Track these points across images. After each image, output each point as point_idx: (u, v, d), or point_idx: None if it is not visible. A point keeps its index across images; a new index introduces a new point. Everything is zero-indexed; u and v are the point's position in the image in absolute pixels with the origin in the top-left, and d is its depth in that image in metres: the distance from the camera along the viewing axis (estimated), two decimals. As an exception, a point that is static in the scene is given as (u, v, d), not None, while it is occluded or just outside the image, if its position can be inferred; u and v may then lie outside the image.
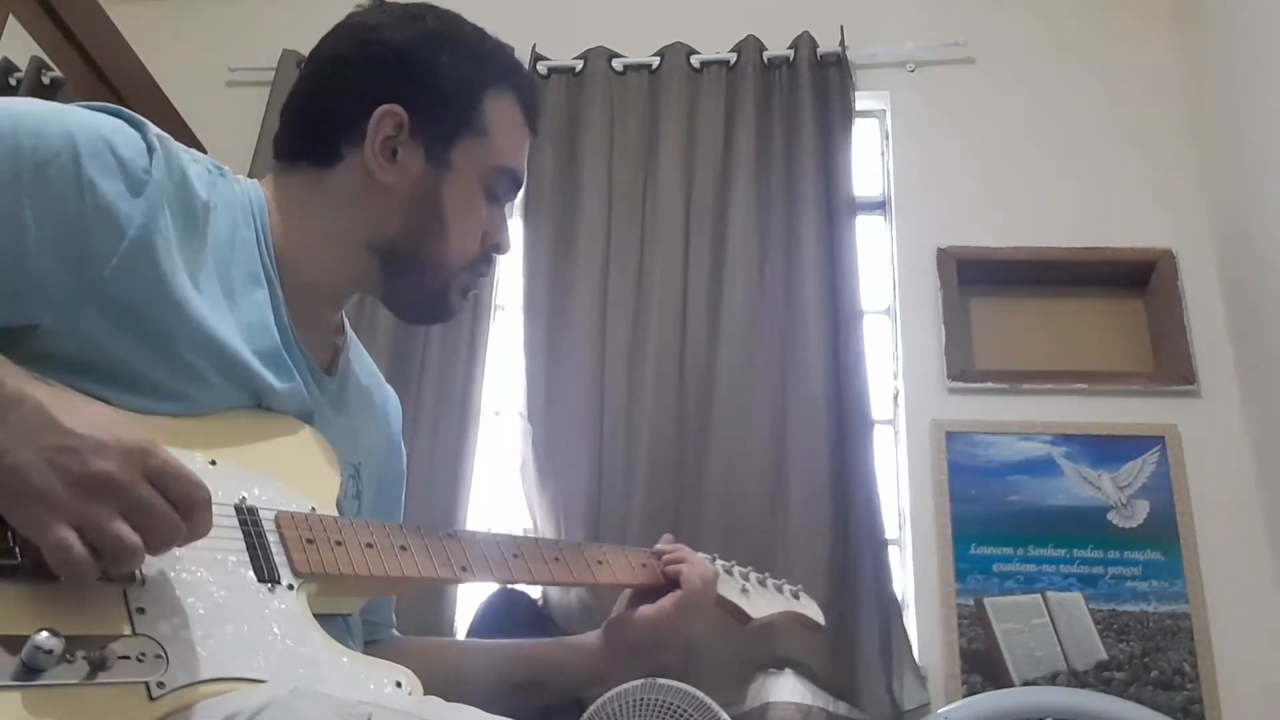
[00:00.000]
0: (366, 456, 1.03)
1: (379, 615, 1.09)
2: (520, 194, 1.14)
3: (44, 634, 0.59)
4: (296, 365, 0.90)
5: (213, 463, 0.80)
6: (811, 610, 1.25)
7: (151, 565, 0.69)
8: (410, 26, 0.96)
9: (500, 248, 1.00)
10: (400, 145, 0.93)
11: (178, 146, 0.84)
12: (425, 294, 0.98)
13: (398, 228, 0.94)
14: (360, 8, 1.00)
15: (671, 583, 1.06)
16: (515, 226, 2.53)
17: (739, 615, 1.15)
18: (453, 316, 1.02)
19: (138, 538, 0.63)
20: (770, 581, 1.22)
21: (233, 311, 0.85)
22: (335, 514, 0.87)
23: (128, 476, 0.63)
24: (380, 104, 0.93)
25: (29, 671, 0.58)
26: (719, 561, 1.16)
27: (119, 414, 0.69)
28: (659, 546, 1.11)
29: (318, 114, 0.97)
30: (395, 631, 1.13)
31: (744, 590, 1.16)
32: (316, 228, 0.94)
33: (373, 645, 1.05)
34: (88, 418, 0.64)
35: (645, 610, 1.04)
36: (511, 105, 0.99)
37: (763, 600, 1.19)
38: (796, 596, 1.25)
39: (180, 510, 0.65)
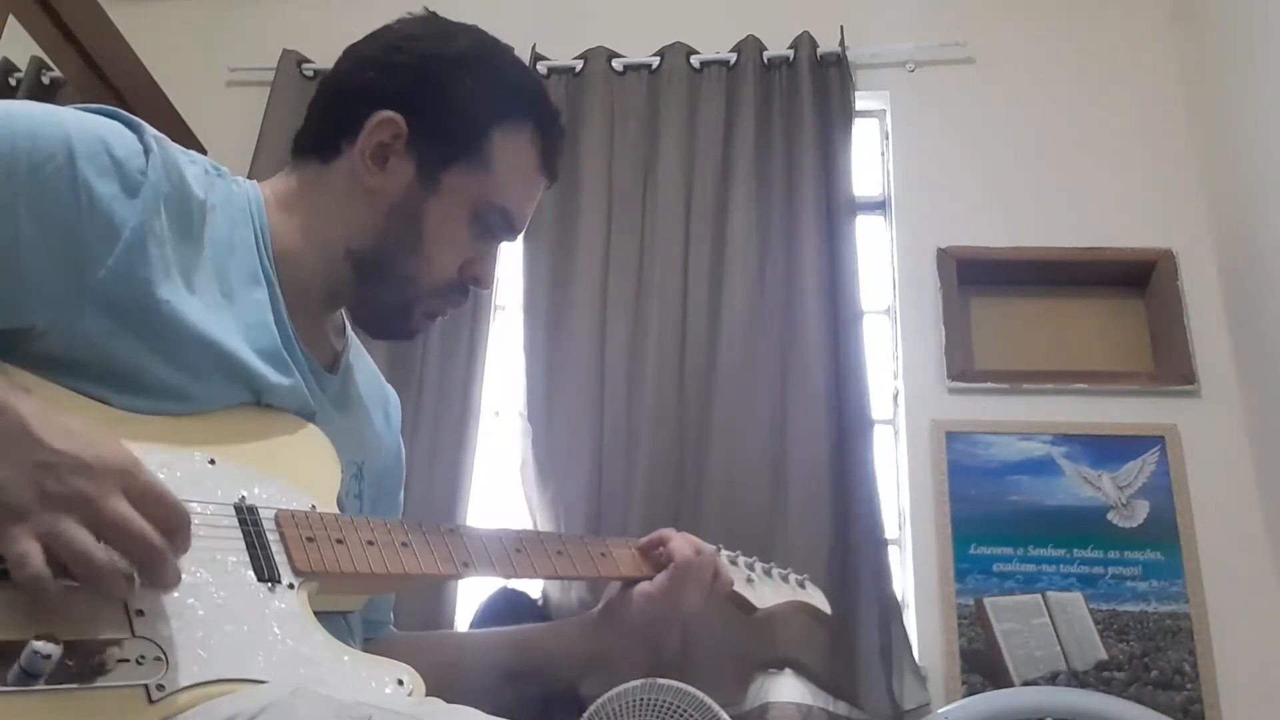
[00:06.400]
0: (369, 455, 1.03)
1: (377, 613, 1.08)
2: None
3: (42, 639, 0.58)
4: (297, 363, 0.90)
5: (212, 461, 0.79)
6: (818, 599, 1.25)
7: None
8: (443, 43, 0.96)
9: (480, 281, 0.98)
10: (394, 154, 0.93)
11: (175, 147, 0.84)
12: (389, 309, 0.96)
13: (375, 236, 0.93)
14: (408, 16, 1.00)
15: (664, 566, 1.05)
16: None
17: (744, 605, 1.14)
18: (412, 337, 1.01)
19: (106, 554, 0.62)
20: (776, 571, 1.22)
21: (232, 311, 0.85)
22: (336, 511, 0.87)
23: (101, 493, 0.62)
24: (386, 109, 0.93)
25: (27, 677, 0.58)
26: (724, 552, 1.15)
27: (104, 429, 0.68)
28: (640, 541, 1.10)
29: (328, 108, 0.98)
30: (393, 628, 1.13)
31: (749, 580, 1.16)
32: (305, 224, 0.94)
33: (371, 643, 1.05)
34: (70, 434, 0.64)
35: (642, 587, 1.03)
36: (526, 146, 0.96)
37: (768, 590, 1.18)
38: (803, 586, 1.24)
39: (161, 531, 0.65)
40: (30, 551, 0.60)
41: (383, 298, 0.95)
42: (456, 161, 0.93)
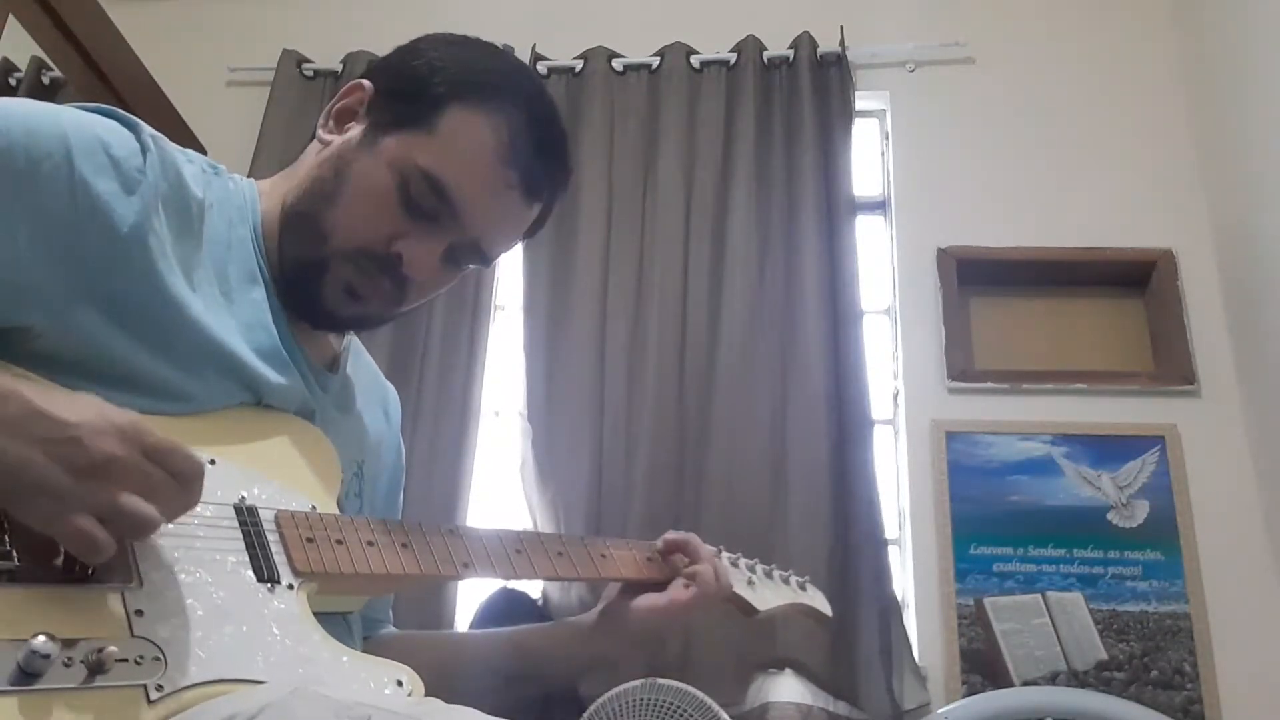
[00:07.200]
0: (369, 455, 1.03)
1: (376, 611, 1.08)
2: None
3: (41, 638, 0.58)
4: (296, 363, 0.90)
5: (212, 462, 0.79)
6: (818, 601, 1.25)
7: (150, 567, 0.69)
8: (446, 34, 0.98)
9: (401, 259, 0.89)
10: (356, 119, 0.94)
11: (172, 146, 0.84)
12: (302, 265, 0.90)
13: (305, 187, 0.92)
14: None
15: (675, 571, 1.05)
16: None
17: (745, 608, 1.14)
18: (330, 318, 0.93)
19: (153, 509, 0.64)
20: (777, 573, 1.22)
21: (230, 310, 0.85)
22: (336, 512, 0.87)
23: (132, 456, 0.64)
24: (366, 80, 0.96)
25: (26, 676, 0.58)
26: (725, 554, 1.16)
27: (103, 400, 0.69)
28: (668, 537, 1.10)
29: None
30: (392, 627, 1.13)
31: (750, 582, 1.16)
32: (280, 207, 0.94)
33: (369, 641, 1.05)
34: (75, 405, 0.64)
35: (655, 601, 1.03)
36: (488, 130, 0.90)
37: (769, 592, 1.18)
38: (804, 588, 1.24)
39: (179, 483, 0.67)
40: (90, 529, 0.61)
41: (297, 251, 0.90)
42: (403, 128, 0.90)
